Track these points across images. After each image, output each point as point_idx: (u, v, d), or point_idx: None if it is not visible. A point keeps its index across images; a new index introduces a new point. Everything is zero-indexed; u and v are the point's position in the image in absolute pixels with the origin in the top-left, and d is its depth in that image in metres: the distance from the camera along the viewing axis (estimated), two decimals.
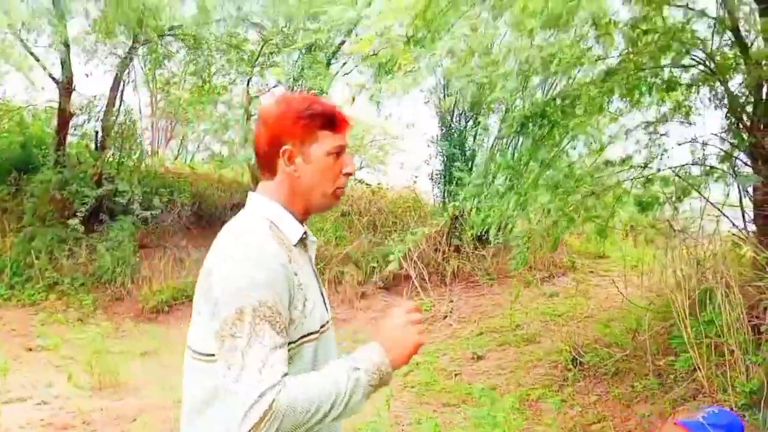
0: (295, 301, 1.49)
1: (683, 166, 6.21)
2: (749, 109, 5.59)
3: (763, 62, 5.04)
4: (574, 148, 6.58)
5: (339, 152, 1.60)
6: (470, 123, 11.21)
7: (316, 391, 1.38)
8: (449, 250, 10.71)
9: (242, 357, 1.36)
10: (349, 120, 1.65)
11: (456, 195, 10.57)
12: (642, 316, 5.99)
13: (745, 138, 5.59)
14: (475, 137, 11.24)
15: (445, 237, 10.67)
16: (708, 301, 4.79)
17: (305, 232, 1.62)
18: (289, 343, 1.47)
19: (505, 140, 9.99)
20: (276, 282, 1.43)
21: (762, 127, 5.36)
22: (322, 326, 1.59)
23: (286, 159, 1.56)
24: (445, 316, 9.51)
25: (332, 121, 1.59)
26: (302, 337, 1.52)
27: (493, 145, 10.51)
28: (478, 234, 10.65)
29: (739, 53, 5.37)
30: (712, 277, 4.91)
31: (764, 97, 5.36)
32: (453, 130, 11.26)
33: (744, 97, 5.74)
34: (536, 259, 9.10)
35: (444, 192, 11.59)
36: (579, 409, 5.60)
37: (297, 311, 1.50)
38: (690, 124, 6.24)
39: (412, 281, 10.15)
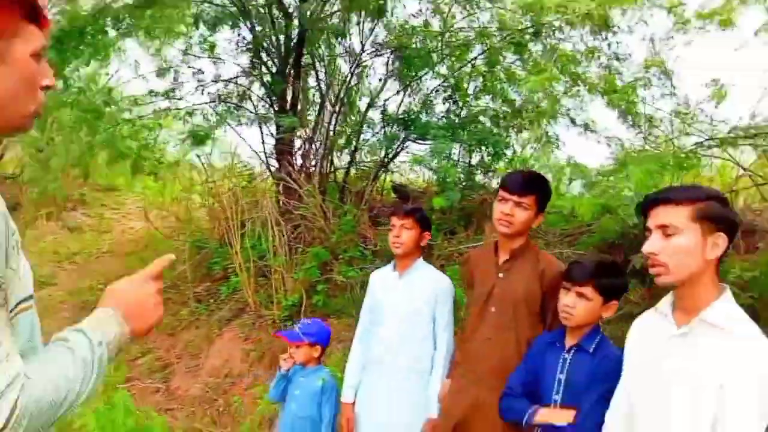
0: (10, 259, 1.05)
1: (212, 102, 6.58)
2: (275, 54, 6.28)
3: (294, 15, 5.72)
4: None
5: (42, 56, 1.16)
6: None
7: (63, 379, 1.05)
8: None
9: None
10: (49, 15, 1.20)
11: None
12: (178, 247, 6.16)
13: (267, 80, 6.33)
14: None
15: None
16: (250, 230, 5.31)
17: None
18: None
19: None
20: None
21: (287, 74, 6.14)
22: (32, 289, 1.16)
23: None
24: None
25: (36, 12, 1.14)
26: (18, 305, 1.10)
27: None
28: None
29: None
30: (252, 208, 5.42)
31: (291, 48, 6.10)
32: None
33: (269, 43, 6.42)
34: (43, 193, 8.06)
35: None
36: None
37: (11, 272, 1.06)
38: (223, 62, 6.61)
39: None
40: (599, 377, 2.00)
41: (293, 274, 4.95)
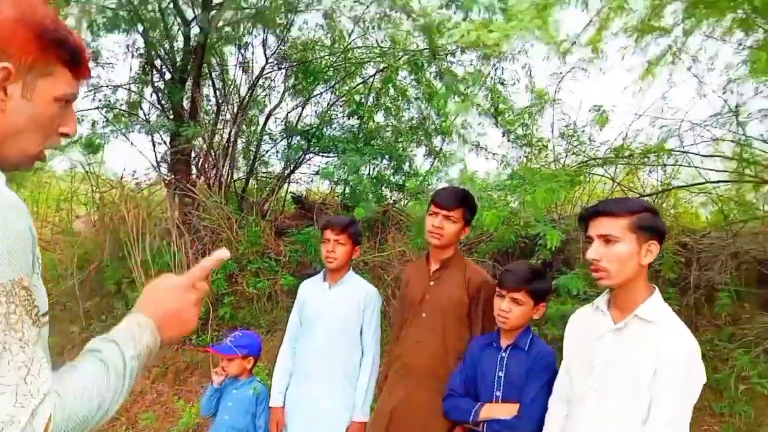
0: (35, 266, 1.05)
1: (102, 108, 6.28)
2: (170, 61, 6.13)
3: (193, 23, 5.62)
4: None
5: (68, 102, 1.14)
6: None
7: (95, 393, 1.03)
8: None
9: None
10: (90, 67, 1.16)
11: None
12: (61, 260, 5.77)
13: (160, 87, 6.16)
14: None
15: None
16: (150, 241, 5.10)
17: None
18: None
19: None
20: (27, 250, 0.98)
21: (184, 82, 6.01)
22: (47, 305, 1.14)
23: None
24: None
25: (78, 59, 1.12)
26: (43, 315, 1.08)
27: None
28: None
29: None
30: (148, 218, 5.21)
31: (188, 55, 5.98)
32: None
33: (163, 50, 6.25)
34: None
35: None
36: None
37: (36, 277, 1.06)
38: (112, 67, 6.32)
39: None
40: (536, 372, 2.21)
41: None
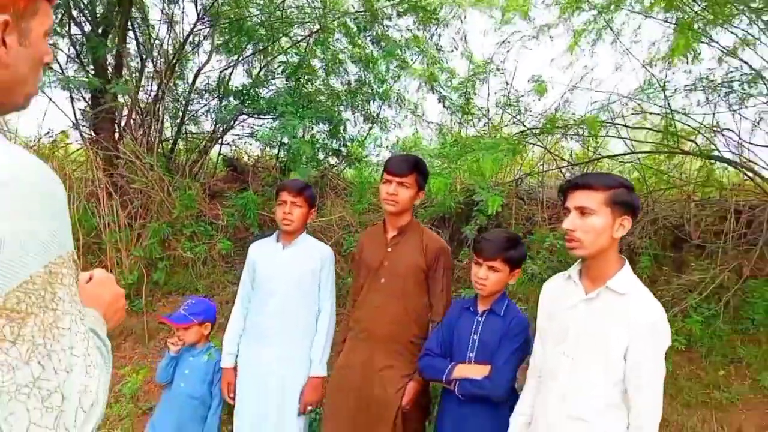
0: None
1: None
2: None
3: None
4: None
5: (49, 34, 1.07)
6: None
7: (105, 378, 1.01)
8: None
9: (68, 337, 0.89)
10: None
11: None
12: None
13: (79, 40, 5.74)
14: None
15: None
16: (77, 204, 4.80)
17: None
18: None
19: None
20: (67, 213, 0.95)
21: (100, 33, 5.63)
22: None
23: None
24: None
25: None
26: None
27: None
28: None
29: None
30: (66, 179, 4.89)
31: (111, 7, 5.60)
32: None
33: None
34: None
35: None
36: None
37: None
38: None
39: None
40: (510, 337, 2.31)
41: (132, 251, 4.63)
